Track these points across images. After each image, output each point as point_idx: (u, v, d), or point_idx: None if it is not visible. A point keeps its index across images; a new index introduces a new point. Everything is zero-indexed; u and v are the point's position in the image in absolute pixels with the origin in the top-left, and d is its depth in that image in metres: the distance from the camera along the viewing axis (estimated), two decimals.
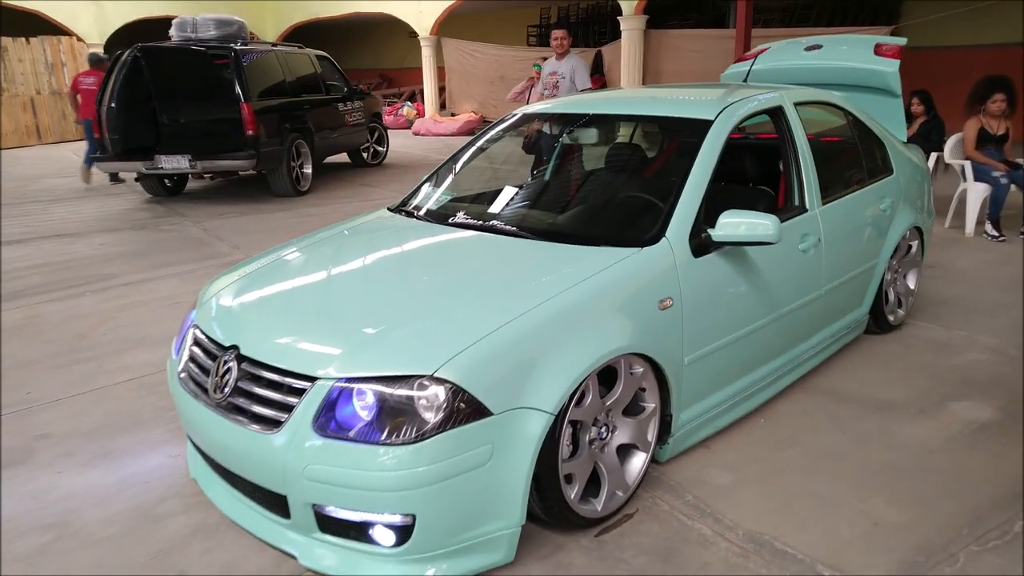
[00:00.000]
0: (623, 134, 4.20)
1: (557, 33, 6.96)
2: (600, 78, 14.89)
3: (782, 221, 2.73)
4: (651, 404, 2.55)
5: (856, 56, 4.41)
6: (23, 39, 16.36)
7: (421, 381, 2.03)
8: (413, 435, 2.00)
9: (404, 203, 3.47)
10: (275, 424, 2.14)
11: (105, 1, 17.56)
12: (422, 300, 2.46)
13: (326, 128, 9.62)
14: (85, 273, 5.71)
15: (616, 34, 13.91)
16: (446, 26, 17.61)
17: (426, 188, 3.56)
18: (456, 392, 2.02)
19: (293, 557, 2.24)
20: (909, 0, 13.58)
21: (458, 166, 3.66)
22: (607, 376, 2.39)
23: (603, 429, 2.41)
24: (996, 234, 6.06)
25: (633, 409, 2.52)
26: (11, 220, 7.81)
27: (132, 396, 3.51)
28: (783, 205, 3.34)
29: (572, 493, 2.29)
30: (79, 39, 17.54)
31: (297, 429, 2.09)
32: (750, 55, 4.95)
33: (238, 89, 7.99)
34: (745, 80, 4.64)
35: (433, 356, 2.07)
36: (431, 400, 2.02)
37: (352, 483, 2.02)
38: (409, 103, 19.09)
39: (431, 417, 2.01)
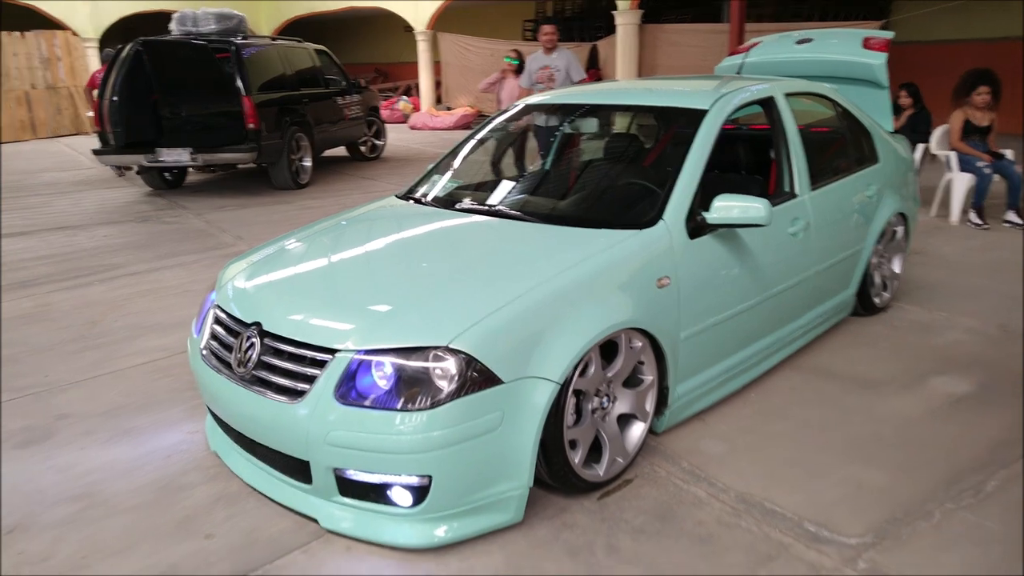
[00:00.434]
0: (622, 124, 4.34)
1: (547, 28, 7.23)
2: (596, 72, 15.03)
3: (773, 206, 2.89)
4: (649, 377, 2.70)
5: (845, 49, 4.56)
6: (18, 33, 16.38)
7: (436, 352, 2.18)
8: (429, 402, 2.15)
9: (412, 191, 3.61)
10: (298, 394, 2.28)
11: None
12: (434, 279, 2.61)
13: (325, 122, 9.73)
14: (91, 264, 5.83)
15: (611, 29, 14.04)
16: (442, 21, 17.71)
17: (433, 176, 3.70)
18: (469, 362, 2.16)
19: (314, 520, 2.39)
20: None
21: (462, 155, 3.80)
22: (608, 349, 2.54)
23: (604, 399, 2.56)
24: (980, 222, 6.24)
25: (632, 381, 2.68)
26: (13, 213, 7.90)
27: (147, 378, 3.64)
28: (774, 191, 3.49)
29: (576, 458, 2.44)
30: (74, 34, 17.57)
31: (319, 398, 2.23)
32: (743, 48, 5.10)
33: (239, 83, 8.09)
34: (738, 72, 4.79)
35: (447, 329, 2.21)
36: (445, 370, 2.17)
37: (372, 447, 2.17)
38: (405, 97, 19.18)
39: (446, 385, 2.16)
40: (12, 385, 3.57)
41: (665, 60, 13.85)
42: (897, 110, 7.44)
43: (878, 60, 4.37)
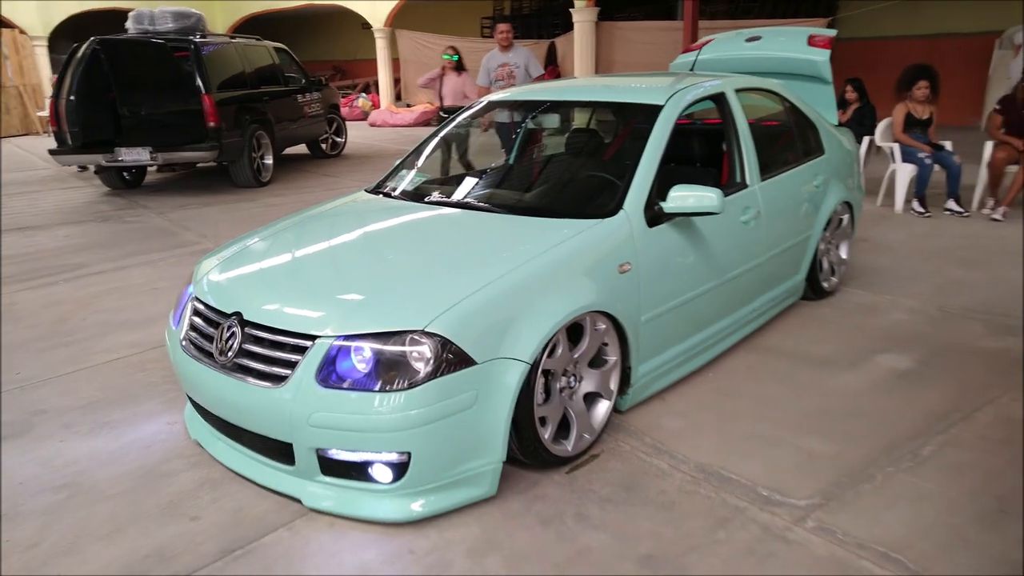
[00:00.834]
0: (582, 119, 4.50)
1: (502, 27, 7.39)
2: (554, 69, 15.22)
3: (725, 196, 3.07)
4: (613, 357, 2.86)
5: (791, 47, 4.79)
6: None
7: (413, 336, 2.30)
8: (407, 383, 2.27)
9: (381, 185, 3.72)
10: (280, 380, 2.38)
11: None
12: (409, 267, 2.73)
13: (286, 119, 9.73)
14: (54, 263, 5.79)
15: (569, 26, 14.23)
16: (400, 18, 17.72)
17: (401, 171, 3.81)
18: (444, 344, 2.29)
19: (297, 500, 2.50)
20: None
21: (428, 151, 3.92)
22: (574, 332, 2.69)
23: (572, 379, 2.71)
24: (922, 210, 6.56)
25: (597, 362, 2.83)
26: None
27: (121, 374, 3.69)
28: (726, 182, 3.68)
29: (546, 434, 2.59)
30: (22, 31, 17.16)
31: (301, 383, 2.34)
32: (696, 46, 5.30)
33: (199, 81, 8.06)
34: (692, 69, 4.99)
35: (423, 313, 2.34)
36: (422, 352, 2.29)
37: (353, 426, 2.28)
38: (364, 95, 19.14)
39: (422, 367, 2.28)
40: None
41: (621, 57, 14.10)
42: (844, 104, 7.75)
43: (822, 57, 4.60)
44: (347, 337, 2.34)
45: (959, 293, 4.52)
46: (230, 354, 2.53)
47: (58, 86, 8.26)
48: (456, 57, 8.02)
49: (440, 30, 18.12)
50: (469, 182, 3.65)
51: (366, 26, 18.24)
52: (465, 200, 3.35)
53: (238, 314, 2.57)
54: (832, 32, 4.80)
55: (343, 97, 17.54)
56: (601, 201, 3.06)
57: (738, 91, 3.77)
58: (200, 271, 3.01)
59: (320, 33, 24.41)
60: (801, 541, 2.28)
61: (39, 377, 3.66)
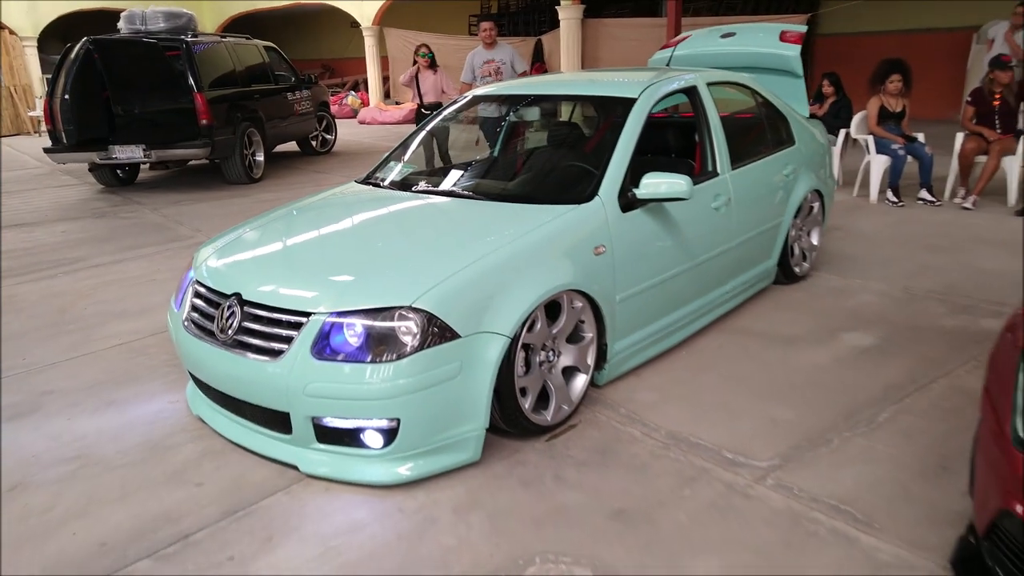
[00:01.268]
0: (562, 112, 4.69)
1: (485, 25, 7.66)
2: (541, 66, 15.41)
3: (696, 183, 3.28)
4: (589, 334, 3.05)
5: (764, 42, 4.99)
6: None
7: (401, 311, 2.49)
8: (396, 355, 2.46)
9: (370, 176, 3.90)
10: (277, 354, 2.57)
11: None
12: (397, 249, 2.92)
13: (276, 117, 9.88)
14: (52, 258, 5.94)
15: (555, 23, 14.42)
16: (388, 16, 17.85)
17: (390, 163, 3.99)
18: (430, 319, 2.48)
19: (294, 467, 2.68)
20: None
21: (416, 143, 4.10)
22: (553, 310, 2.89)
23: (550, 353, 2.90)
24: (896, 200, 6.78)
25: (575, 338, 3.03)
26: None
27: (123, 358, 3.86)
28: (699, 171, 3.87)
29: (526, 404, 2.78)
30: (11, 32, 17.21)
31: (297, 356, 2.52)
32: (673, 42, 5.50)
33: (190, 80, 8.21)
34: (668, 64, 5.19)
35: (410, 291, 2.52)
36: (409, 327, 2.48)
37: (346, 395, 2.47)
38: (353, 92, 19.27)
39: (410, 340, 2.47)
40: None
41: (607, 53, 14.29)
42: (820, 98, 7.98)
43: (792, 51, 4.81)
44: (340, 314, 2.53)
45: (925, 277, 4.74)
46: (230, 332, 2.71)
47: (52, 85, 8.39)
48: (431, 55, 8.22)
49: (428, 28, 18.27)
50: (455, 172, 3.84)
51: (354, 24, 18.37)
52: (451, 189, 3.54)
53: (237, 295, 2.75)
54: (803, 28, 5.00)
55: (332, 95, 17.69)
56: (578, 188, 3.24)
57: (710, 85, 3.97)
58: (200, 257, 3.18)
59: (308, 32, 24.50)
60: (760, 497, 2.48)
61: (44, 362, 3.82)
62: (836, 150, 7.40)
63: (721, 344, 3.76)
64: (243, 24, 19.35)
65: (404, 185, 3.68)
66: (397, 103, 17.93)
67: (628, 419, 3.02)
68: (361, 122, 16.75)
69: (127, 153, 8.31)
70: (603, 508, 2.44)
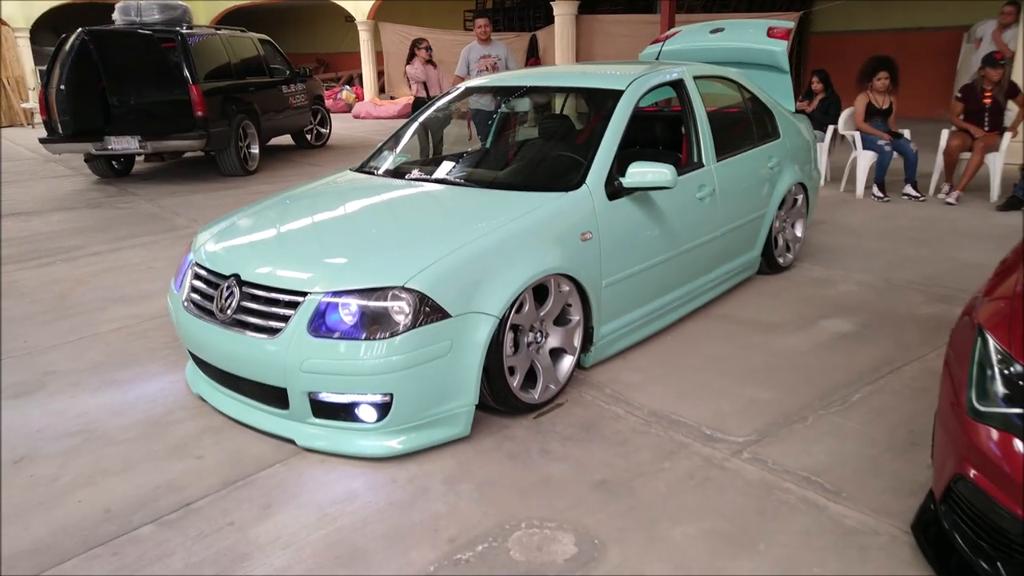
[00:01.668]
0: (554, 104, 4.81)
1: (480, 21, 7.84)
2: (535, 61, 15.50)
3: (682, 174, 3.40)
4: (576, 317, 3.17)
5: (751, 38, 5.11)
6: None
7: (394, 291, 2.60)
8: (389, 333, 2.56)
9: (365, 164, 4.01)
10: (275, 332, 2.68)
11: None
12: (390, 234, 3.03)
13: (271, 110, 9.96)
14: (50, 246, 6.02)
15: (550, 19, 14.50)
16: (383, 11, 17.89)
17: (384, 152, 4.10)
18: (422, 299, 2.59)
19: (291, 441, 2.79)
20: None
21: (409, 133, 4.21)
22: (541, 293, 3.00)
23: (538, 335, 3.02)
24: (881, 195, 6.92)
25: (562, 321, 3.14)
26: None
27: (123, 341, 3.95)
28: (685, 162, 3.99)
29: (514, 382, 2.90)
30: (3, 23, 17.20)
31: (294, 334, 2.63)
32: (662, 37, 5.62)
33: (186, 71, 8.28)
34: (657, 58, 5.30)
35: (403, 272, 2.63)
36: (402, 306, 2.59)
37: (342, 371, 2.58)
38: (348, 87, 19.33)
39: (402, 319, 2.58)
40: None
41: (601, 49, 14.39)
42: (810, 95, 8.11)
43: (779, 47, 4.93)
44: (335, 293, 2.64)
45: (906, 268, 4.87)
46: (229, 311, 2.81)
47: (48, 76, 8.45)
48: (430, 50, 8.38)
49: (423, 23, 18.33)
50: (448, 161, 3.95)
51: (349, 19, 18.42)
52: (443, 177, 3.65)
53: (236, 276, 2.86)
54: (790, 24, 5.12)
55: (327, 90, 17.74)
56: (566, 176, 3.36)
57: (697, 78, 4.08)
58: (199, 240, 3.28)
59: (303, 26, 24.51)
60: (736, 469, 2.61)
61: (46, 344, 3.92)
62: (824, 146, 7.54)
63: (705, 329, 3.88)
64: (238, 18, 19.38)
65: (398, 173, 3.79)
66: (392, 98, 18.00)
67: (612, 398, 3.14)
68: (356, 116, 16.82)
69: (123, 144, 8.38)
70: (586, 479, 2.56)
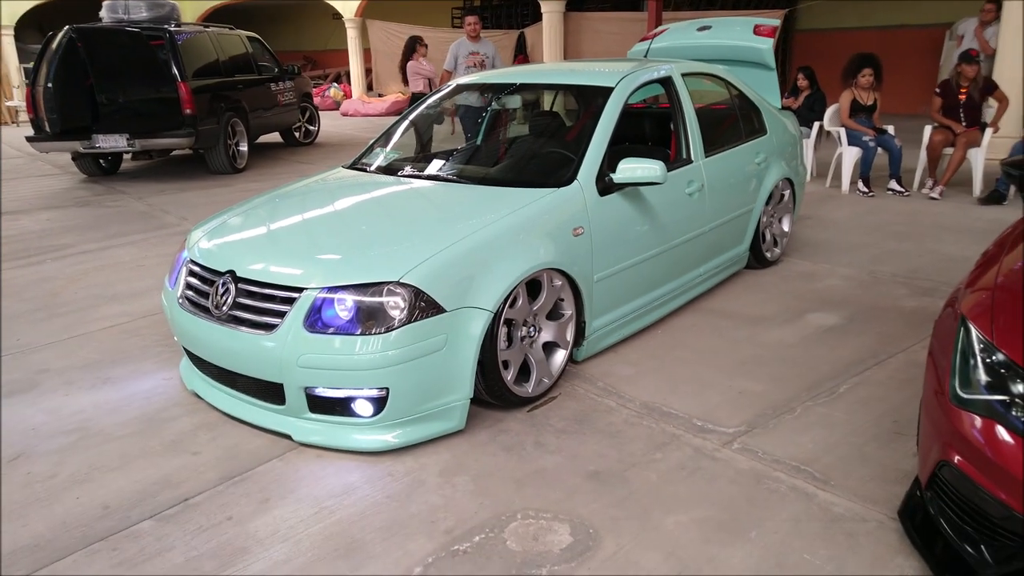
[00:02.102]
0: (543, 100, 4.84)
1: (470, 19, 7.92)
2: (523, 58, 15.54)
3: (671, 170, 3.44)
4: (568, 311, 3.21)
5: (738, 35, 5.16)
6: None
7: (389, 287, 2.63)
8: (384, 328, 2.60)
9: (357, 161, 4.03)
10: (271, 328, 2.70)
11: None
12: (384, 230, 3.06)
13: (260, 108, 9.94)
14: (40, 244, 6.00)
15: (537, 16, 14.53)
16: (371, 8, 17.86)
17: (376, 149, 4.12)
18: (418, 294, 2.62)
19: (287, 437, 2.81)
20: None
21: (401, 130, 4.23)
22: (534, 288, 3.04)
23: (531, 329, 3.06)
24: (866, 190, 7.01)
25: (555, 315, 3.18)
26: None
27: (116, 339, 3.96)
28: (674, 158, 4.04)
29: (508, 376, 2.93)
30: None
31: (290, 329, 2.66)
32: (652, 35, 5.66)
33: (174, 69, 8.26)
34: (646, 56, 5.35)
35: (398, 267, 2.66)
36: (397, 301, 2.62)
37: (338, 366, 2.61)
38: (336, 84, 19.28)
39: (397, 314, 2.61)
40: None
41: (589, 46, 14.44)
42: (796, 91, 8.19)
43: (766, 45, 4.98)
44: (331, 289, 2.66)
45: (891, 262, 4.94)
46: (225, 308, 2.83)
47: (35, 74, 8.39)
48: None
49: (410, 20, 18.31)
50: (440, 157, 3.98)
51: (336, 16, 18.37)
52: (436, 173, 3.68)
53: (231, 272, 2.88)
54: (776, 22, 5.18)
55: (315, 87, 17.70)
56: (558, 173, 3.40)
57: (685, 75, 4.13)
58: (193, 237, 3.30)
59: (290, 24, 24.42)
60: (726, 459, 2.66)
61: (39, 343, 3.92)
62: (810, 142, 7.61)
63: (694, 323, 3.94)
64: (224, 15, 19.26)
65: (390, 170, 3.82)
66: (380, 95, 17.98)
67: (605, 391, 3.19)
68: (344, 114, 16.79)
69: (111, 142, 8.35)
70: (580, 470, 2.60)
